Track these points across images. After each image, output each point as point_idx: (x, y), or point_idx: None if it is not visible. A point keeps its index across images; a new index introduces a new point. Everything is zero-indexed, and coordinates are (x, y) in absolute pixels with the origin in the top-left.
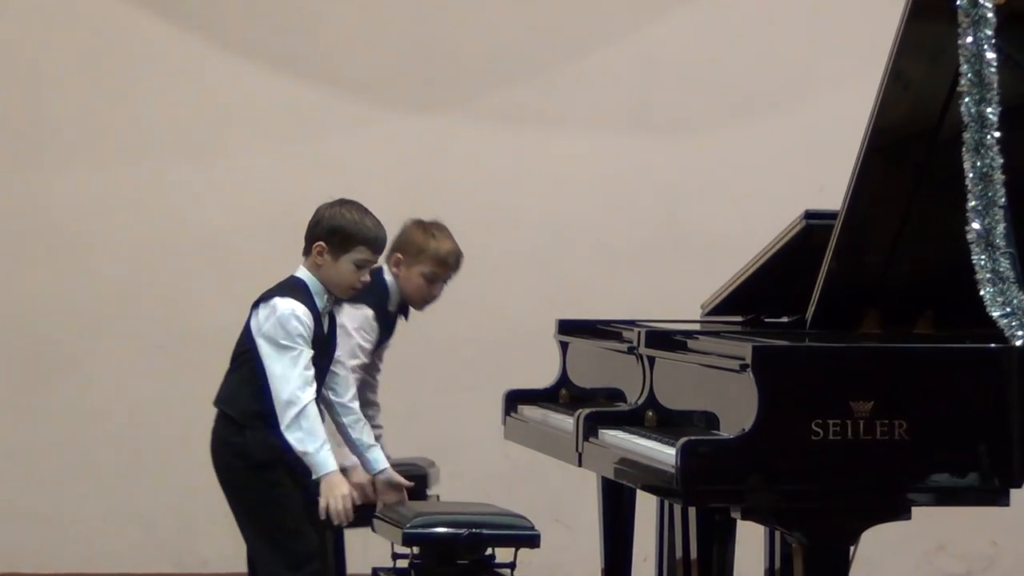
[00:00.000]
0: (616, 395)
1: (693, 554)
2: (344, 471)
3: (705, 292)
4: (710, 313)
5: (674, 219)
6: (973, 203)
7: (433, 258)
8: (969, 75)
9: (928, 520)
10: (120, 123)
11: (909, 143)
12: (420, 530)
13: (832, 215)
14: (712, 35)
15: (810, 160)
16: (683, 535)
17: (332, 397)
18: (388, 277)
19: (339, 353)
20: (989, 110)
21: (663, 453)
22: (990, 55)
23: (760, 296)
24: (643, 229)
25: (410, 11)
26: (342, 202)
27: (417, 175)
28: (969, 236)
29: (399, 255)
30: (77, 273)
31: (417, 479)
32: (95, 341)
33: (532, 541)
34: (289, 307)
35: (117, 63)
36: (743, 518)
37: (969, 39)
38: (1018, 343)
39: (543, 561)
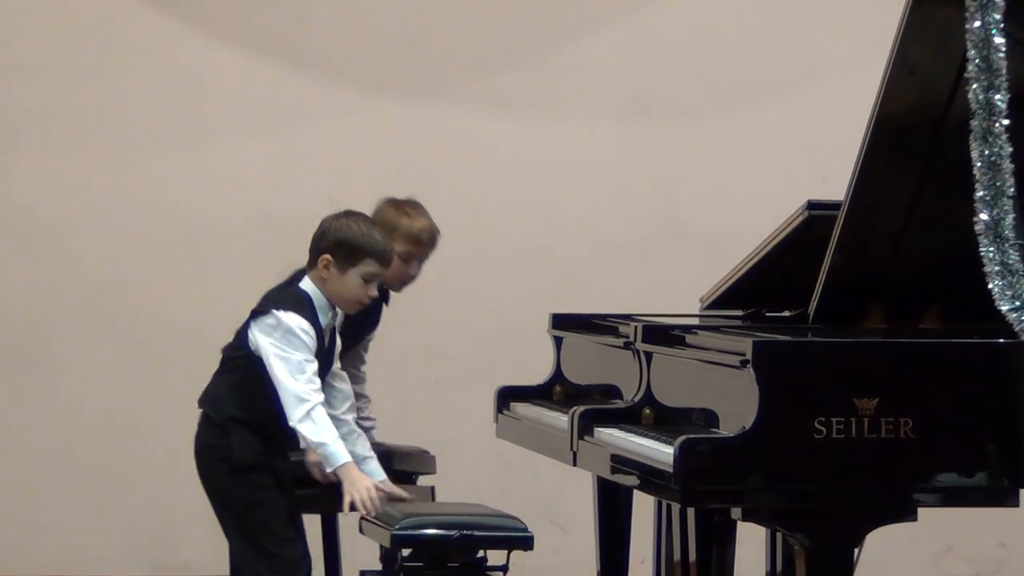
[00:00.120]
0: (612, 392)
1: (692, 556)
2: None
3: (704, 285)
4: (709, 307)
5: (672, 210)
6: (981, 193)
7: (406, 236)
8: (977, 61)
9: (935, 521)
10: (99, 110)
11: (915, 131)
12: (409, 532)
13: (835, 206)
14: (712, 20)
15: (813, 149)
16: (681, 537)
17: (327, 410)
18: None
19: (336, 366)
20: (997, 97)
21: (661, 452)
22: (998, 40)
23: (761, 290)
24: (640, 220)
25: None
26: (348, 213)
27: (407, 165)
28: (977, 227)
29: None
30: (53, 266)
31: (415, 461)
32: (72, 336)
33: (525, 543)
34: (295, 322)
35: (96, 47)
36: (743, 519)
37: (977, 23)
38: None
39: (537, 564)
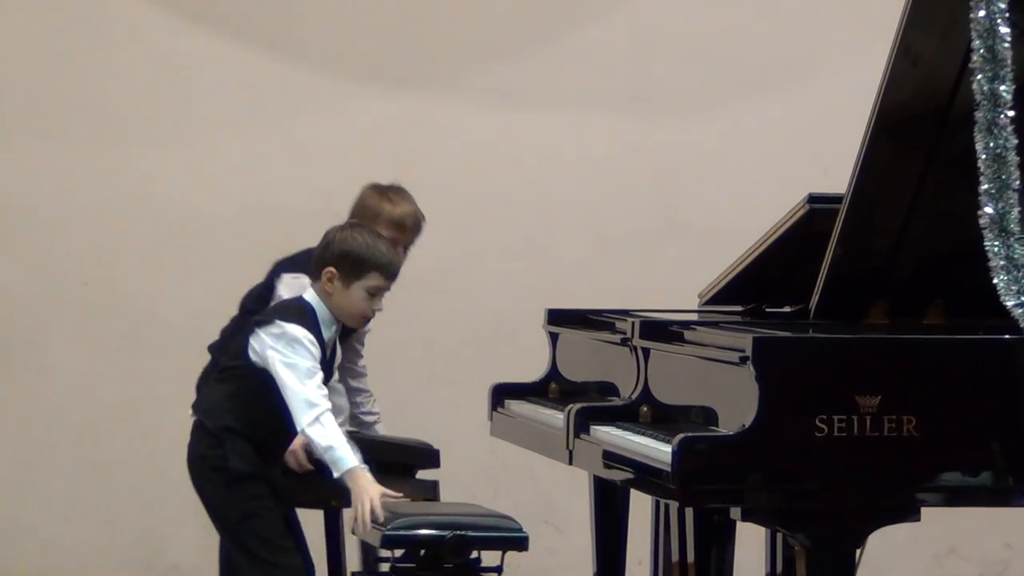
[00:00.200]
0: (609, 389)
1: (690, 557)
2: None
3: (703, 280)
4: (708, 302)
5: (671, 203)
6: (986, 186)
7: (389, 222)
8: (981, 51)
9: (939, 521)
10: (82, 100)
11: (918, 123)
12: (402, 532)
13: (837, 199)
14: (710, 10)
15: (814, 141)
16: (680, 537)
17: None
18: None
19: (334, 378)
20: (1003, 88)
21: (658, 451)
22: (1003, 29)
23: (761, 284)
24: (638, 214)
25: None
26: (352, 225)
27: (398, 158)
28: (982, 221)
29: (355, 221)
30: (34, 259)
31: (416, 454)
32: (54, 332)
33: (520, 543)
34: (301, 334)
35: (76, 35)
36: (743, 519)
37: (981, 12)
38: None
39: (532, 565)
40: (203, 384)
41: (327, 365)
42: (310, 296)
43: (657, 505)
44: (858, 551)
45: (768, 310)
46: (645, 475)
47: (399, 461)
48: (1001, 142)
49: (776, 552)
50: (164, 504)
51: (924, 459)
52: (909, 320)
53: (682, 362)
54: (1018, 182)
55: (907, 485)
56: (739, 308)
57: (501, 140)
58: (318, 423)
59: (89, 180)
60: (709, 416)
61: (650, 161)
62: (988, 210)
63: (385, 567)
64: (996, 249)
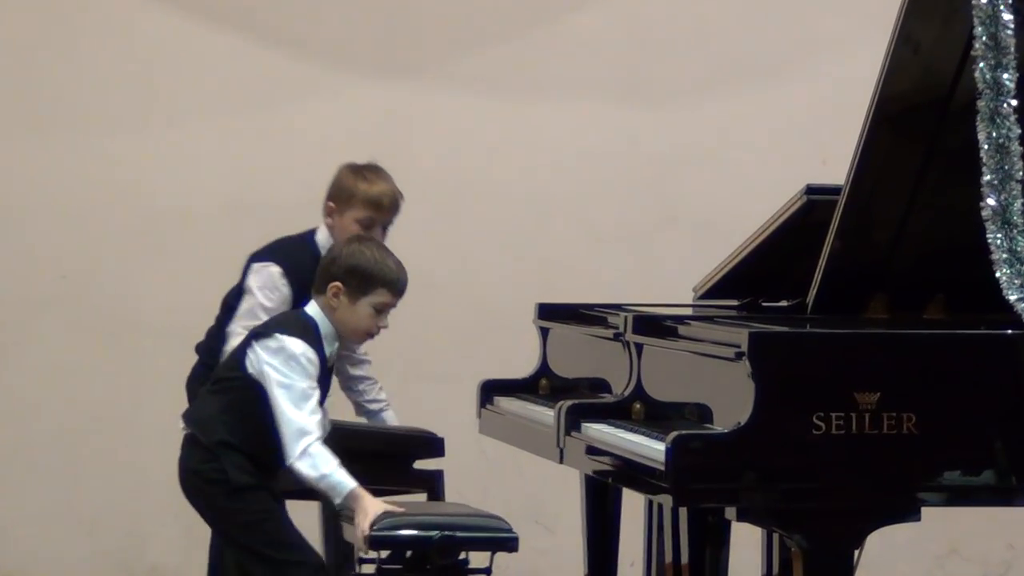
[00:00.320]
0: (601, 385)
1: (684, 558)
2: None
3: (698, 274)
4: (703, 297)
5: (665, 195)
6: (988, 177)
7: (364, 201)
8: (984, 38)
9: (940, 521)
10: (58, 89)
11: (919, 112)
12: (388, 532)
13: (836, 190)
14: None
15: (812, 131)
16: (673, 538)
17: None
18: (322, 233)
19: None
20: (1005, 76)
21: (651, 449)
22: (1006, 16)
23: (757, 278)
24: (631, 206)
25: None
26: (360, 239)
27: (384, 146)
28: (984, 213)
29: (331, 203)
30: (13, 253)
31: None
32: (31, 328)
33: (509, 544)
34: (299, 348)
35: (52, 19)
36: (738, 519)
37: None
38: None
39: (521, 566)
40: (193, 388)
41: (325, 381)
42: (313, 310)
43: (650, 505)
44: (856, 552)
45: (765, 304)
46: (638, 474)
47: (393, 453)
48: (1004, 132)
49: (772, 553)
50: (144, 505)
51: (924, 457)
52: (909, 315)
53: (676, 358)
54: (1021, 173)
55: (907, 484)
56: (735, 302)
57: (492, 131)
58: (307, 455)
59: (67, 172)
60: (704, 413)
61: (645, 152)
62: (991, 201)
63: (370, 568)
64: (999, 242)
